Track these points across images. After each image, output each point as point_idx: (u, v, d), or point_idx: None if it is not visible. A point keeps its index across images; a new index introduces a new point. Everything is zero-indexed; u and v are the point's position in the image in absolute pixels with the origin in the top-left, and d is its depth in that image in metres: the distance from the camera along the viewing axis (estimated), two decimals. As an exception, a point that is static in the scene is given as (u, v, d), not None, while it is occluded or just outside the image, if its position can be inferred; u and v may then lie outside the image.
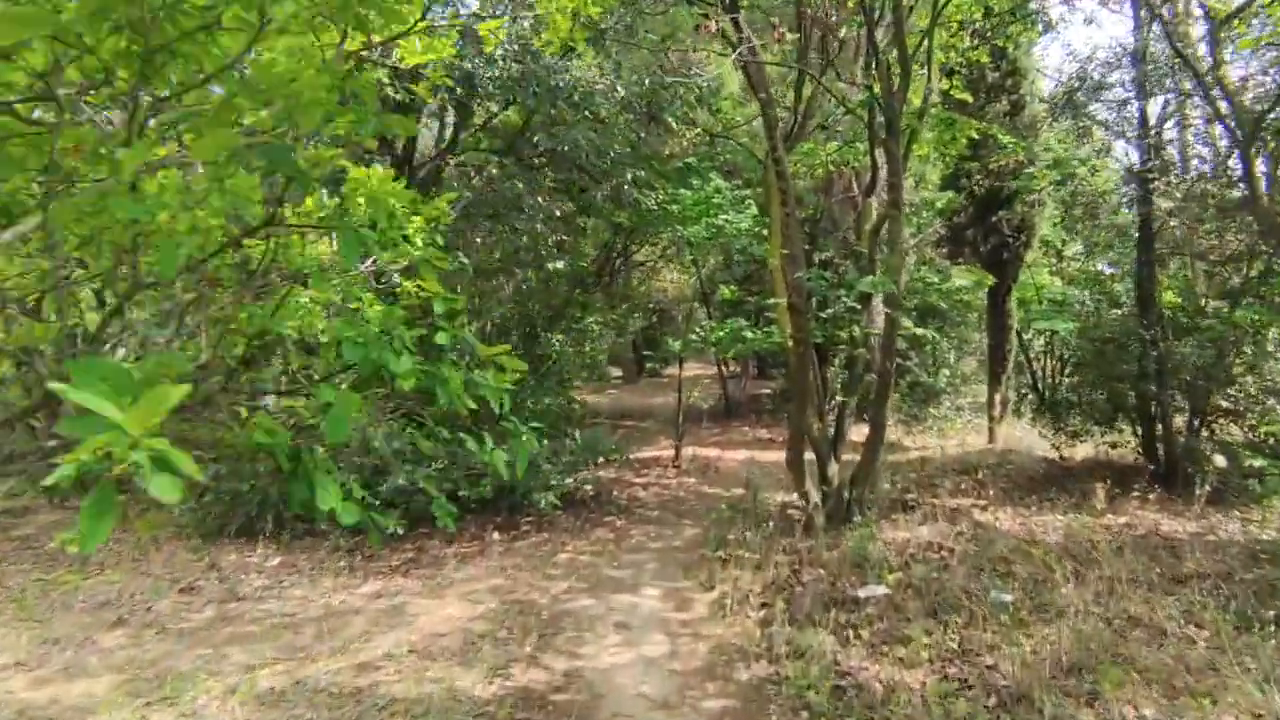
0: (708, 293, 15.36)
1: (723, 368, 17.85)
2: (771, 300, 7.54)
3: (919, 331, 7.41)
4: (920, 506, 8.33)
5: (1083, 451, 10.75)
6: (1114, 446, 10.23)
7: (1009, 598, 5.60)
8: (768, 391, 20.51)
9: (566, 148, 7.81)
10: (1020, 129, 11.44)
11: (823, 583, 5.94)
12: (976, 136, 8.50)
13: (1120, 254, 11.26)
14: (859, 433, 9.83)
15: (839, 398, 7.67)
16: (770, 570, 6.20)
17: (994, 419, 12.12)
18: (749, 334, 7.18)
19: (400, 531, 6.52)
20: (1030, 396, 13.57)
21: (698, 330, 10.93)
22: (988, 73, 11.74)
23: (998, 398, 12.27)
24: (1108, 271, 12.48)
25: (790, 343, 7.11)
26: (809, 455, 7.33)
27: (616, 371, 28.14)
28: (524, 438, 3.53)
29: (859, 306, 7.37)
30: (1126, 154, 9.45)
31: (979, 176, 11.30)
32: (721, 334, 10.63)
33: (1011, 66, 11.76)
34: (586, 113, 7.73)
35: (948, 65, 9.94)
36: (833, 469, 7.32)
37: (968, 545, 6.87)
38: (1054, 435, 10.21)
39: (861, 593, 5.69)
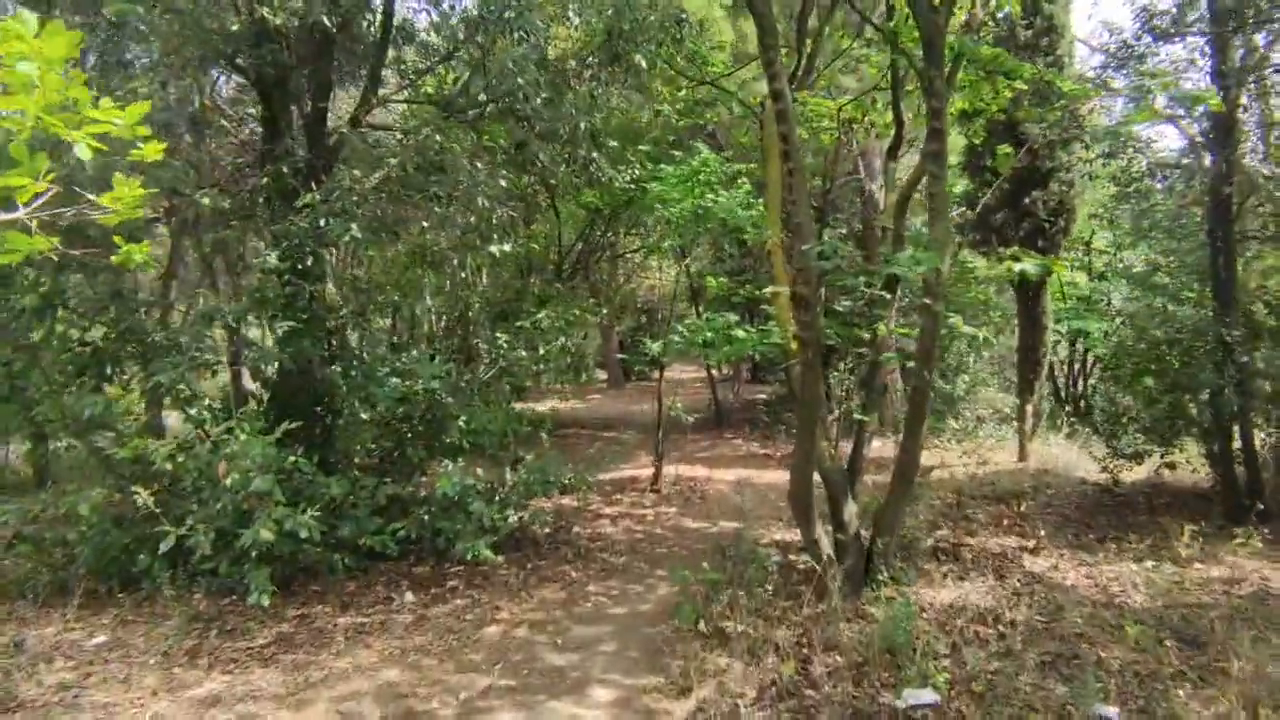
0: (696, 288, 13.68)
1: (712, 372, 16.14)
2: (768, 290, 5.84)
3: (967, 330, 5.72)
4: (956, 551, 6.64)
5: (1132, 472, 9.09)
6: (1171, 468, 8.57)
7: (1113, 712, 3.90)
8: (763, 397, 18.85)
9: (506, 95, 6.12)
10: (1055, 98, 9.80)
11: (845, 681, 4.23)
12: (1024, 87, 6.82)
13: (1178, 239, 9.58)
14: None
15: (855, 415, 5.93)
16: (770, 658, 4.48)
17: (1025, 433, 10.44)
18: (739, 333, 5.45)
19: (265, 602, 4.78)
20: (1064, 408, 11.88)
21: (681, 330, 9.21)
22: (1019, 30, 10.08)
23: (1029, 408, 10.59)
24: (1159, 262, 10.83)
25: (793, 344, 5.41)
26: (812, 480, 5.62)
27: (602, 375, 26.45)
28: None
29: (888, 295, 5.65)
30: (1197, 119, 7.75)
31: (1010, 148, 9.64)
32: (708, 334, 8.92)
33: (1047, 23, 10.10)
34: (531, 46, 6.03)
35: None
36: (850, 510, 5.62)
37: (1030, 614, 5.18)
38: (1107, 456, 8.53)
39: (902, 701, 3.98)
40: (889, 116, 7.76)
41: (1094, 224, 13.91)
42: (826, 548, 5.48)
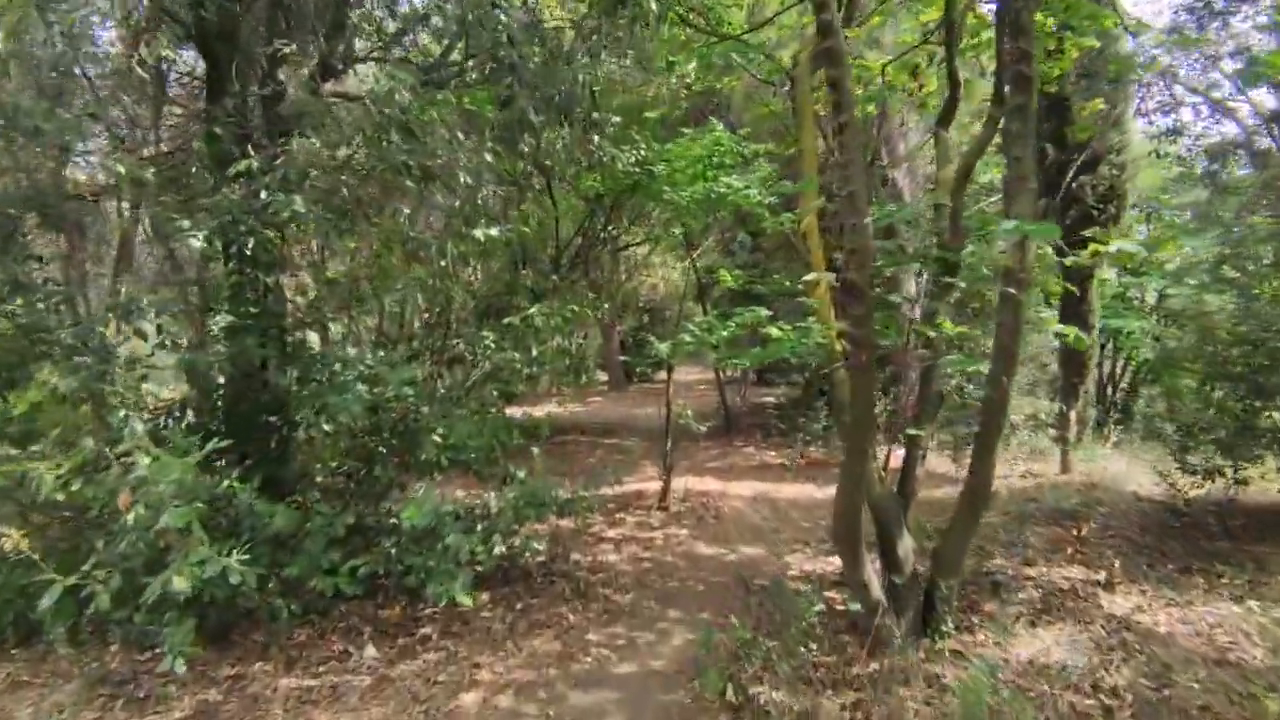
0: (704, 283, 12.69)
1: (720, 374, 15.15)
2: (804, 281, 4.85)
3: (1062, 329, 4.72)
4: (1019, 585, 5.66)
5: (1194, 489, 8.11)
6: (1243, 484, 7.59)
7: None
8: (771, 401, 17.87)
9: (491, 48, 5.15)
10: (1104, 70, 8.84)
11: (920, 782, 3.26)
12: (1094, 44, 5.84)
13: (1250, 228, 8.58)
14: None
15: (909, 429, 4.94)
16: (819, 745, 3.51)
17: (1069, 442, 9.46)
18: (774, 331, 4.43)
19: (180, 667, 3.79)
20: (1111, 415, 10.89)
21: (692, 330, 8.23)
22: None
23: (1073, 414, 9.61)
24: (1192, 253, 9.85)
25: (838, 346, 4.44)
26: (861, 510, 4.63)
27: (602, 376, 25.48)
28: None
29: (957, 283, 4.64)
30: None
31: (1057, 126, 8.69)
32: (724, 333, 7.95)
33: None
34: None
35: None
36: (905, 544, 4.63)
37: (1133, 676, 4.20)
38: (1175, 470, 7.54)
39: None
40: (928, 85, 6.82)
41: (1132, 214, 12.93)
42: (877, 590, 4.50)
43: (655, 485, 9.09)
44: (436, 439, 5.31)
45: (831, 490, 8.98)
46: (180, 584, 3.67)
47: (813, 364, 16.67)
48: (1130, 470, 9.46)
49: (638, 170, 8.86)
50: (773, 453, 11.88)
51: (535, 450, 6.33)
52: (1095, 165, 9.05)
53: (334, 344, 5.71)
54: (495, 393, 6.44)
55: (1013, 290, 3.93)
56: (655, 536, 7.34)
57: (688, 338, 8.20)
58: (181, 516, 3.74)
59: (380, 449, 5.71)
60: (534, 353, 6.38)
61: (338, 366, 5.33)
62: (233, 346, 5.01)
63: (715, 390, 19.31)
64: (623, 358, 22.76)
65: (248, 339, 5.00)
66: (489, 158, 6.15)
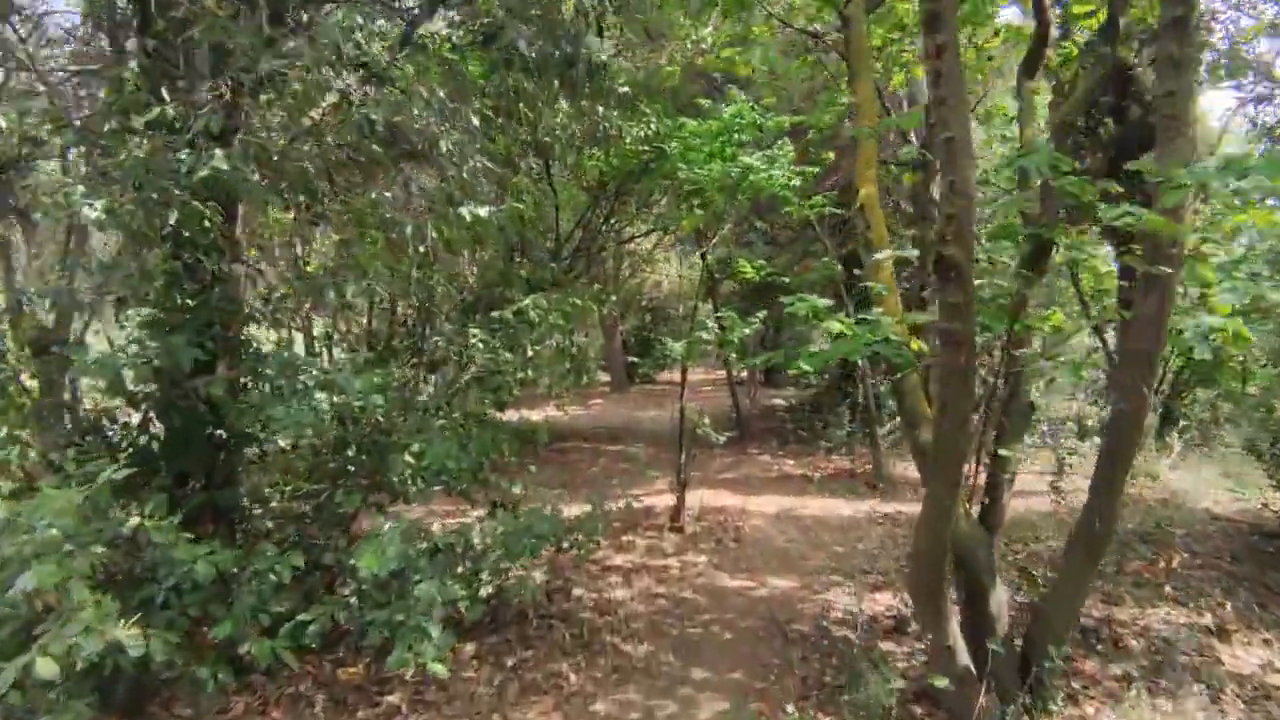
0: (715, 276, 11.70)
1: (731, 374, 14.15)
2: (882, 256, 3.88)
3: (1221, 321, 3.75)
4: (1116, 636, 4.68)
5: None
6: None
7: None
8: (781, 403, 16.92)
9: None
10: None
11: None
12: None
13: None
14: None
15: (996, 448, 3.96)
16: None
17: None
18: (837, 326, 3.41)
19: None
20: (1180, 423, 9.90)
21: (710, 327, 7.26)
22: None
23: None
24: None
25: (915, 343, 3.45)
26: (945, 557, 3.65)
27: (604, 377, 24.52)
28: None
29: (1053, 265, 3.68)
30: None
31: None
32: (746, 330, 6.99)
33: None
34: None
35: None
36: (997, 597, 3.65)
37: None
38: (1273, 488, 6.58)
39: None
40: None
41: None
42: (964, 655, 3.52)
43: (666, 500, 8.12)
44: (409, 458, 4.34)
45: (862, 506, 8.01)
46: (45, 669, 2.70)
47: (829, 365, 15.78)
48: (1198, 484, 8.50)
49: (647, 149, 7.90)
50: (791, 461, 10.90)
51: (532, 469, 5.36)
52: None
53: (284, 344, 4.73)
54: (486, 400, 5.46)
55: (1164, 269, 2.97)
56: (670, 564, 6.36)
57: (705, 335, 7.25)
58: (48, 576, 2.76)
59: (346, 468, 4.75)
60: (529, 353, 5.41)
61: (283, 371, 4.36)
62: (155, 347, 4.04)
63: (722, 392, 18.38)
64: (632, 360, 21.79)
65: (174, 338, 4.03)
66: (476, 122, 5.18)
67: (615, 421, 15.87)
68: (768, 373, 21.08)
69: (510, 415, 12.20)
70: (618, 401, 19.97)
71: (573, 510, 8.45)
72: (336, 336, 5.98)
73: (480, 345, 5.28)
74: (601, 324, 22.40)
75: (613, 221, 12.33)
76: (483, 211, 5.17)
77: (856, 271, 5.42)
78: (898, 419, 10.46)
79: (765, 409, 16.74)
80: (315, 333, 6.57)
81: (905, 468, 9.94)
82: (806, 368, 3.11)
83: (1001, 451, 3.92)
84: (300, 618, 3.79)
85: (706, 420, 7.27)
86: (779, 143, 7.58)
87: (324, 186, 5.51)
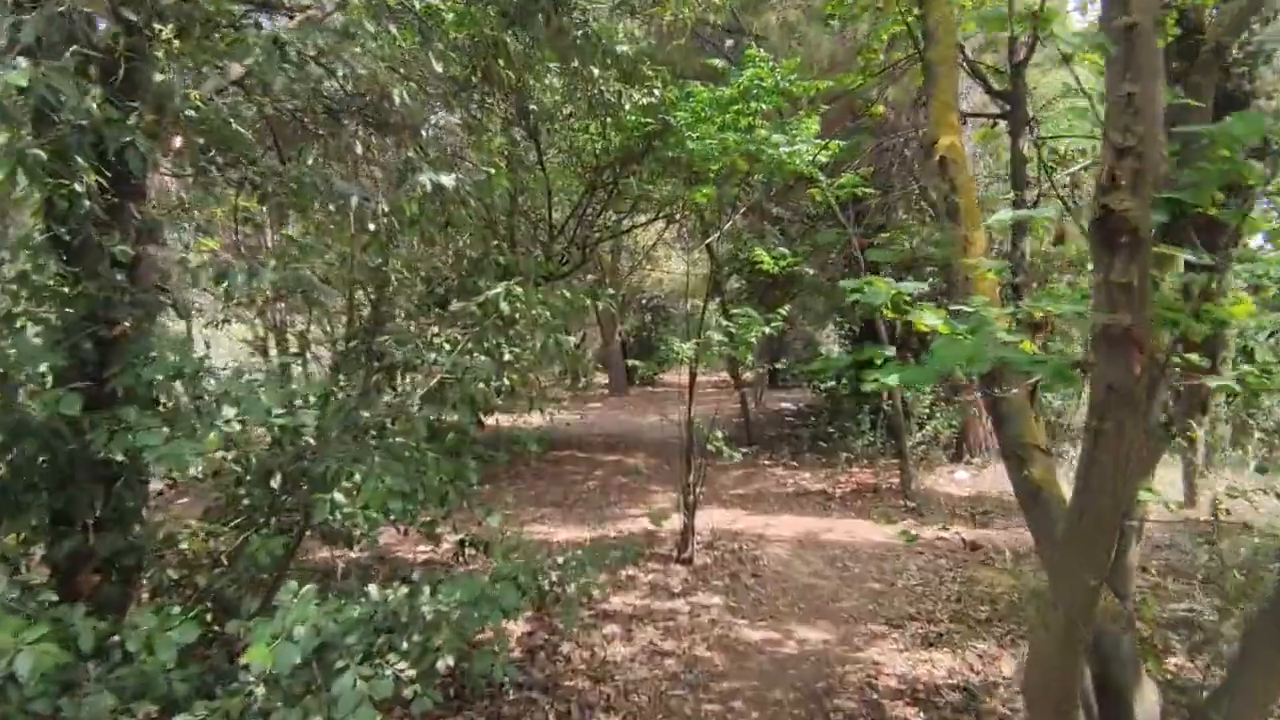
0: (725, 271, 10.68)
1: (739, 378, 13.12)
2: (952, 241, 2.86)
3: None
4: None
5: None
6: None
7: None
8: (789, 406, 15.88)
9: None
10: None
11: None
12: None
13: None
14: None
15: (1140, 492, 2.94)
16: None
17: (1198, 470, 7.50)
18: (937, 323, 2.32)
19: None
20: (1252, 434, 8.88)
21: (722, 327, 6.23)
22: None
23: (1199, 433, 7.62)
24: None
25: (1028, 345, 2.41)
26: (1079, 654, 2.62)
27: (602, 379, 23.53)
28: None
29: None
30: None
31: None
32: (764, 330, 5.99)
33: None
34: None
35: None
36: (1146, 703, 2.62)
37: None
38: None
39: None
40: None
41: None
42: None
43: (672, 521, 7.11)
44: (338, 496, 3.31)
45: (893, 529, 6.96)
46: None
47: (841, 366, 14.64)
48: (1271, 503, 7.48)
49: (649, 121, 6.87)
50: (807, 475, 9.87)
51: (509, 500, 4.34)
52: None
53: (188, 344, 3.69)
54: (454, 413, 4.42)
55: None
56: (678, 609, 5.33)
57: (718, 336, 6.23)
58: None
59: (265, 509, 3.73)
60: (506, 355, 4.38)
61: (191, 383, 3.33)
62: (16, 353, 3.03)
63: (726, 394, 17.34)
64: (633, 363, 20.76)
65: (19, 337, 3.01)
66: (440, 68, 4.15)
67: (614, 428, 14.85)
68: (772, 374, 20.10)
69: (503, 422, 11.23)
70: (616, 406, 18.96)
71: (566, 534, 7.48)
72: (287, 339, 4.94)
73: (446, 346, 4.25)
74: (599, 323, 21.41)
75: (610, 211, 11.33)
76: (447, 180, 4.16)
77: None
78: (927, 428, 9.42)
79: (773, 414, 15.75)
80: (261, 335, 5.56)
81: (935, 481, 8.93)
82: (889, 383, 2.08)
83: (1145, 492, 2.89)
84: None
85: (719, 435, 6.24)
86: (801, 114, 6.57)
87: (259, 152, 4.52)
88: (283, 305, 7.05)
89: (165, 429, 3.03)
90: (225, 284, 3.36)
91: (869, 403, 10.51)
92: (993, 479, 8.88)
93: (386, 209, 4.13)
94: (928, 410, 8.88)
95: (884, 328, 8.55)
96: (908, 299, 2.36)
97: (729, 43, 10.18)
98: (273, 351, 8.77)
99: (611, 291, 5.70)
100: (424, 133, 4.22)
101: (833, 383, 11.94)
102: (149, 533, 3.84)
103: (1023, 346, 2.42)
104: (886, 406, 9.87)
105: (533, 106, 6.59)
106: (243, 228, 6.40)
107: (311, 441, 3.68)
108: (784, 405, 16.53)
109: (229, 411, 3.30)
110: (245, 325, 8.45)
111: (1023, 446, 2.71)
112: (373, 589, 3.22)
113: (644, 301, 24.83)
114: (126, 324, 3.65)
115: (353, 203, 3.95)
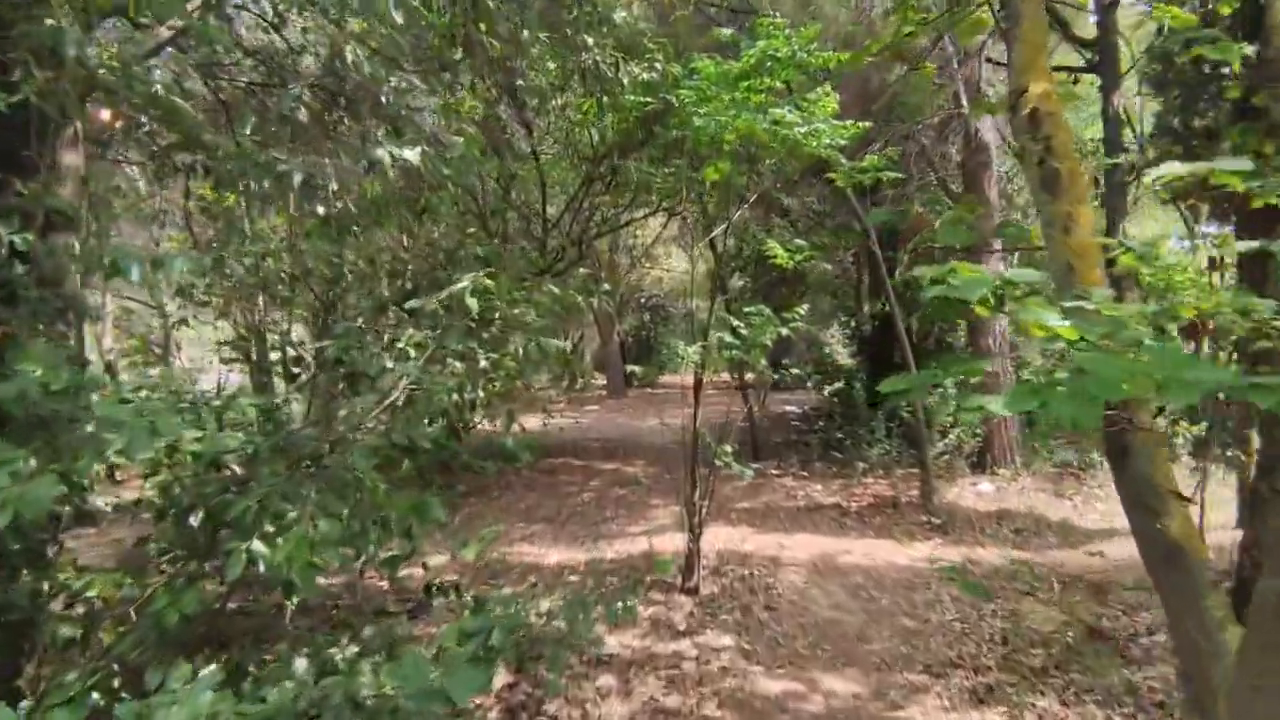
0: (726, 264, 9.99)
1: (743, 380, 12.37)
2: (1051, 214, 2.18)
3: None
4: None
5: None
6: None
7: None
8: (793, 409, 15.19)
9: None
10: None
11: None
12: None
13: None
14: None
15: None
16: None
17: (1249, 485, 6.81)
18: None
19: None
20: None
21: (733, 326, 5.53)
22: None
23: (1252, 449, 6.95)
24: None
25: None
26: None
27: (600, 380, 22.84)
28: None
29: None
30: None
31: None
32: (778, 330, 5.33)
33: None
34: None
35: None
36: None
37: None
38: None
39: None
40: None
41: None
42: None
43: (673, 540, 6.45)
44: (258, 544, 2.63)
45: (919, 551, 6.30)
46: None
47: (834, 364, 13.91)
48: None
49: (649, 101, 6.18)
50: (819, 487, 9.19)
51: (491, 524, 3.69)
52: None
53: (70, 352, 3.02)
54: (422, 429, 3.73)
55: None
56: (683, 651, 4.65)
57: (727, 337, 5.54)
58: None
59: (182, 552, 3.06)
60: (481, 360, 3.69)
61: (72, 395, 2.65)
62: None
63: (724, 396, 16.58)
64: (632, 369, 20.10)
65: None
66: (399, 17, 3.47)
67: (612, 433, 14.18)
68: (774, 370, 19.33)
69: (495, 426, 10.60)
70: (615, 408, 18.27)
71: (557, 556, 6.80)
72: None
73: (411, 351, 3.56)
74: (597, 323, 20.74)
75: (609, 203, 10.65)
76: (410, 154, 3.49)
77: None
78: (949, 437, 8.73)
79: (777, 418, 15.04)
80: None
81: (958, 494, 8.26)
82: (1029, 408, 1.41)
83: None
84: None
85: (728, 449, 5.56)
86: (818, 90, 5.89)
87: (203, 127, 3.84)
88: (259, 304, 6.39)
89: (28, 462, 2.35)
90: (160, 272, 2.68)
91: (883, 407, 9.85)
92: (1019, 492, 8.21)
93: (335, 187, 3.45)
94: (950, 418, 8.21)
95: (903, 328, 7.87)
96: (1017, 290, 1.68)
97: (730, 30, 9.54)
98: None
99: (607, 288, 5.01)
100: (386, 100, 3.52)
101: (842, 385, 11.27)
102: (46, 579, 3.16)
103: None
104: (905, 413, 9.20)
105: (520, 82, 5.90)
106: (200, 217, 5.74)
107: (238, 470, 3.01)
108: (788, 408, 15.81)
109: (109, 435, 2.61)
110: (220, 327, 7.78)
111: (1154, 493, 2.02)
112: (300, 665, 2.54)
113: (643, 300, 24.15)
114: (8, 326, 3.00)
115: (294, 180, 3.27)
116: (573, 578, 6.10)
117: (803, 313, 5.43)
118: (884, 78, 7.98)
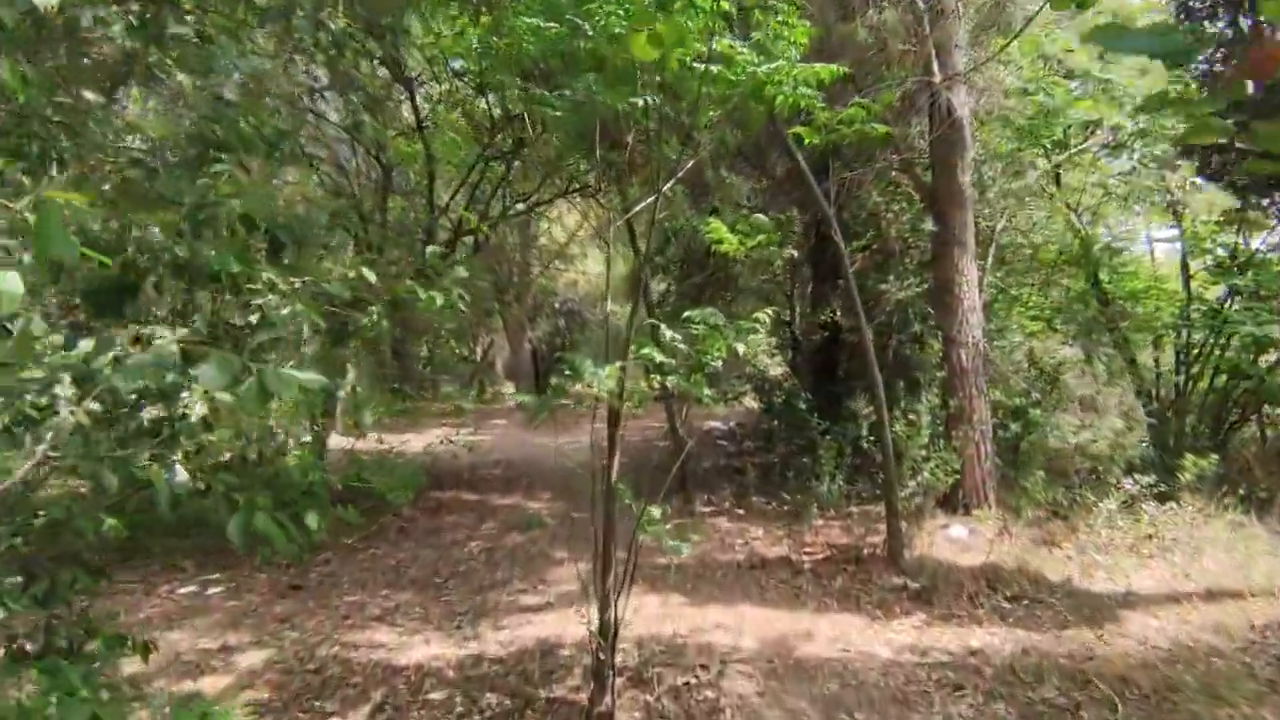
0: (649, 261, 8.35)
1: (671, 404, 10.64)
2: None
3: None
4: None
5: None
6: None
7: None
8: (719, 427, 13.65)
9: None
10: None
11: None
12: None
13: None
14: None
15: None
16: None
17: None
18: None
19: None
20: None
21: (666, 342, 3.80)
22: None
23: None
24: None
25: None
26: None
27: (510, 390, 20.84)
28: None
29: None
30: None
31: None
32: (732, 343, 3.68)
33: None
34: None
35: None
36: None
37: None
38: None
39: None
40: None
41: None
42: None
43: (577, 623, 4.69)
44: None
45: (901, 632, 4.78)
46: None
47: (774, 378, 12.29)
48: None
49: (552, 26, 4.42)
50: (759, 531, 7.58)
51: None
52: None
53: None
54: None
55: None
56: None
57: (657, 356, 3.82)
58: None
59: None
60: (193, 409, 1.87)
61: None
62: None
63: (643, 411, 14.91)
64: (524, 399, 18.18)
65: None
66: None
67: (516, 454, 12.26)
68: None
69: (390, 440, 8.56)
70: (522, 425, 16.32)
71: (421, 650, 4.96)
72: None
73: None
74: (506, 330, 18.84)
75: (515, 190, 8.87)
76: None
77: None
78: (922, 475, 7.20)
79: (702, 435, 13.42)
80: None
81: (929, 540, 6.76)
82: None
83: None
84: None
85: (656, 513, 3.85)
86: (783, 11, 4.28)
87: None
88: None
89: None
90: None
91: (830, 431, 8.25)
92: (1000, 540, 6.78)
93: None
94: (924, 451, 6.75)
95: (869, 337, 6.35)
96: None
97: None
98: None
99: (465, 273, 3.25)
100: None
101: (782, 401, 9.68)
102: None
103: None
104: (866, 443, 7.73)
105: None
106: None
107: None
108: (712, 425, 14.18)
109: None
110: None
111: None
112: None
113: (558, 306, 22.31)
114: None
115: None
116: (434, 695, 4.27)
117: (766, 320, 3.76)
118: (849, 29, 6.50)
